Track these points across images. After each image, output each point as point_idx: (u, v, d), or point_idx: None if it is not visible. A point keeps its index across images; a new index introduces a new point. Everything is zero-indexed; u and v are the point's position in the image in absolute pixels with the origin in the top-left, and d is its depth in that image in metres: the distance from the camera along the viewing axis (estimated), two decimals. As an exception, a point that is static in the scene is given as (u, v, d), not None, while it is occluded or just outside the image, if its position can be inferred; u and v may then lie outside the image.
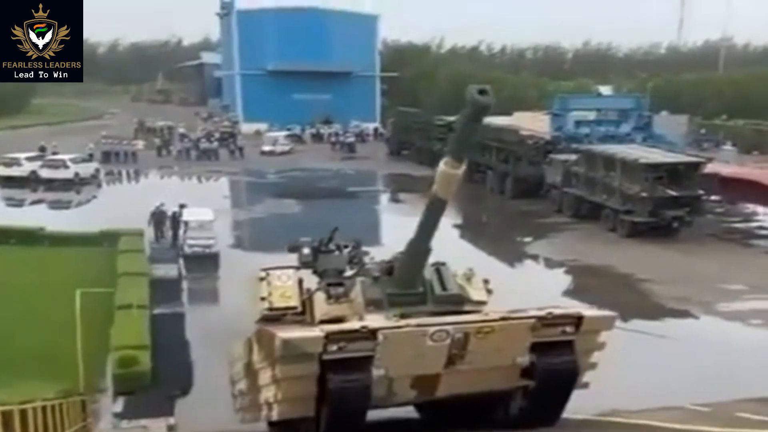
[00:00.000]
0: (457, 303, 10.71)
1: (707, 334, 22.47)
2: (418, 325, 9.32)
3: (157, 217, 32.06)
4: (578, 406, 11.25)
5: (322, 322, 10.13)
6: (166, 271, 27.26)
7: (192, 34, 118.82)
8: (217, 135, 64.99)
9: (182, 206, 32.00)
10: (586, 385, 10.63)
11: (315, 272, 11.58)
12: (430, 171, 46.41)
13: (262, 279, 11.52)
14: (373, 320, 9.67)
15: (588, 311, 10.33)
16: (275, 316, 11.20)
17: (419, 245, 10.25)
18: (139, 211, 33.02)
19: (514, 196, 42.82)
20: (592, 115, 58.00)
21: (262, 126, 72.10)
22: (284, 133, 67.60)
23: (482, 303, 10.95)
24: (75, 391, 14.62)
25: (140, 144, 61.13)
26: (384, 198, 49.54)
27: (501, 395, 10.46)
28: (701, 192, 34.30)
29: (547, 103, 64.31)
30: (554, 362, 9.84)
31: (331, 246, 11.96)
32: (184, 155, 59.55)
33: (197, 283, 27.74)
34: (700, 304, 24.93)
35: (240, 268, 26.75)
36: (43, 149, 51.81)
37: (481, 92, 8.54)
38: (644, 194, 33.07)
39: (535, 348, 9.80)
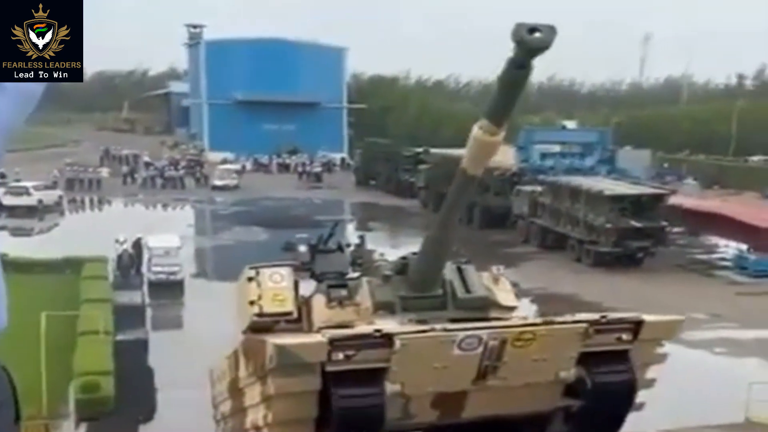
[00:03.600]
0: (483, 308, 9.05)
1: (672, 361, 22.65)
2: (444, 330, 7.68)
3: (124, 260, 30.46)
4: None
5: (322, 330, 8.24)
6: (130, 297, 27.00)
7: (158, 64, 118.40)
8: (183, 163, 64.78)
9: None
10: (640, 407, 8.88)
11: (312, 275, 9.81)
12: (397, 200, 46.37)
13: (250, 279, 9.48)
14: (386, 325, 7.99)
15: (649, 315, 8.62)
16: (266, 324, 9.31)
17: (441, 238, 8.52)
18: (101, 239, 32.56)
19: (482, 226, 43.07)
20: (557, 148, 58.65)
21: (229, 155, 71.93)
22: (232, 166, 66.74)
23: (512, 308, 9.37)
24: (38, 416, 14.32)
25: (105, 171, 60.60)
26: (351, 227, 49.45)
27: (537, 418, 8.73)
28: (665, 223, 34.82)
29: (512, 135, 64.78)
30: (608, 377, 8.16)
31: (331, 244, 10.23)
32: (149, 183, 59.22)
33: (161, 310, 27.46)
34: (664, 333, 25.15)
35: (204, 294, 26.67)
36: (3, 176, 51.04)
37: (532, 30, 6.09)
38: (609, 225, 33.47)
39: (582, 360, 8.11)
